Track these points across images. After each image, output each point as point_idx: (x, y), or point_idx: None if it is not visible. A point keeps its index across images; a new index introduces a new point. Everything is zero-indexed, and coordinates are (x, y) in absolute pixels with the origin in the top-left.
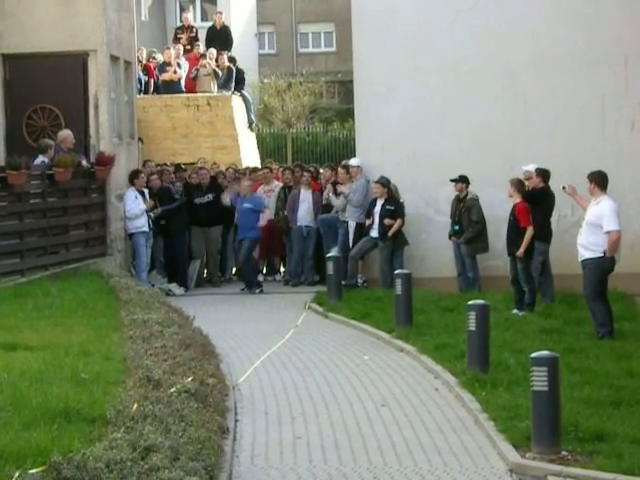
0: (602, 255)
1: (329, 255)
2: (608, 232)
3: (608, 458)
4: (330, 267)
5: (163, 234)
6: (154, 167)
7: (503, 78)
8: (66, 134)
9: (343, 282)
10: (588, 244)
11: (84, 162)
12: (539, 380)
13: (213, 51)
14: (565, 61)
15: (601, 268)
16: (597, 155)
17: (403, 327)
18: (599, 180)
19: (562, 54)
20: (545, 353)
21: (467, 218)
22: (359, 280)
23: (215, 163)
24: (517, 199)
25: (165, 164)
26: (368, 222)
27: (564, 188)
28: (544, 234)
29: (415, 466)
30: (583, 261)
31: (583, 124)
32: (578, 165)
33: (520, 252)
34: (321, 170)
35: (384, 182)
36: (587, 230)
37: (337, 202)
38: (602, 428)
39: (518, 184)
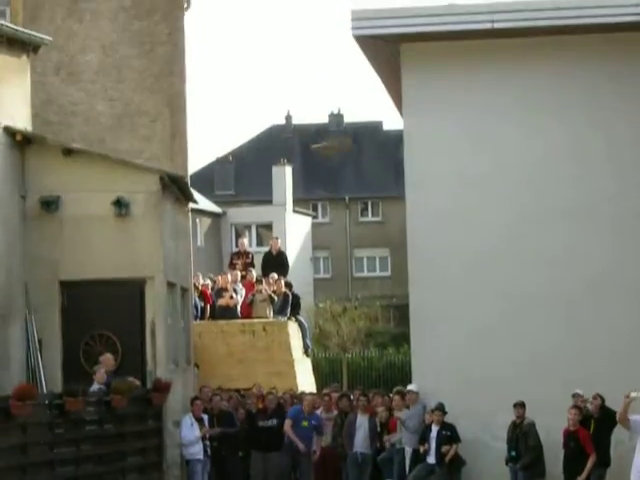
0: None
1: None
2: None
3: None
4: None
5: (218, 458)
6: (209, 392)
7: (557, 303)
8: (107, 356)
9: None
10: None
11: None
12: None
13: (274, 275)
14: (619, 286)
15: None
16: None
17: None
18: None
19: (616, 279)
20: None
21: (524, 444)
22: None
23: (274, 388)
24: (576, 425)
25: (220, 388)
26: (423, 448)
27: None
28: (604, 459)
29: None
30: None
31: (634, 350)
32: (638, 389)
33: (582, 478)
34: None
35: (443, 409)
36: None
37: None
38: None
39: (579, 411)
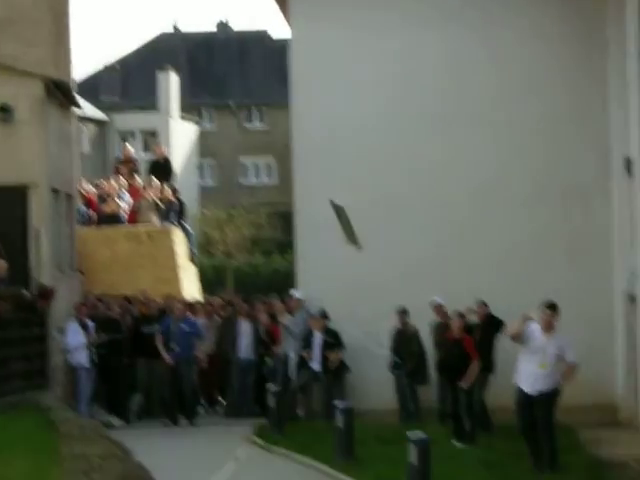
0: (558, 386)
1: (270, 387)
2: (572, 363)
3: None
4: (271, 399)
5: (104, 366)
6: (94, 299)
7: (441, 212)
8: (1, 263)
9: (284, 414)
10: (547, 376)
11: (25, 293)
12: None
13: (156, 182)
14: (503, 196)
15: (556, 399)
16: (535, 289)
17: (344, 459)
18: (558, 310)
19: (501, 190)
20: None
21: (407, 350)
22: (300, 412)
23: (167, 295)
24: (460, 333)
25: (105, 294)
26: (307, 354)
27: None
28: (488, 365)
29: None
30: (539, 393)
31: (521, 258)
32: (516, 298)
33: (467, 384)
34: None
35: (325, 315)
36: (547, 361)
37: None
38: None
39: (463, 318)
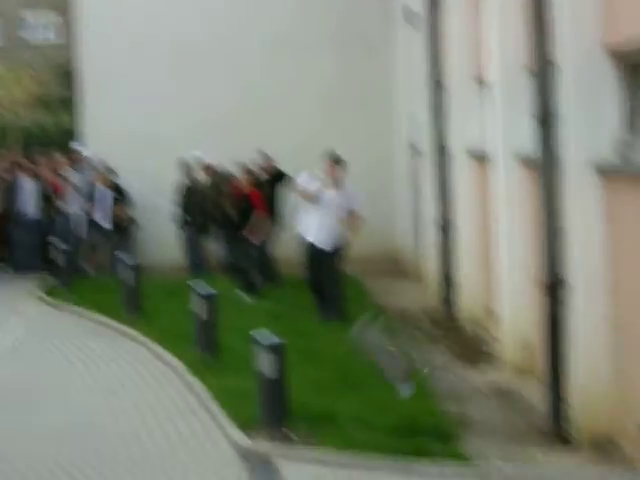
0: (345, 238)
1: (57, 243)
2: (358, 214)
3: (333, 437)
4: (58, 256)
5: None
6: None
7: (229, 61)
8: None
9: (72, 271)
10: (335, 228)
11: None
12: (266, 364)
13: None
14: (291, 45)
15: (344, 251)
16: (320, 140)
17: (132, 314)
18: (344, 163)
19: (289, 38)
20: (272, 337)
21: (195, 205)
22: (88, 268)
23: None
24: (248, 188)
25: None
26: (92, 209)
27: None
28: (276, 218)
29: (143, 454)
30: (328, 245)
31: (306, 110)
32: (303, 147)
33: (255, 238)
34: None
35: (108, 171)
36: (337, 214)
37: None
38: (328, 409)
39: (249, 172)
